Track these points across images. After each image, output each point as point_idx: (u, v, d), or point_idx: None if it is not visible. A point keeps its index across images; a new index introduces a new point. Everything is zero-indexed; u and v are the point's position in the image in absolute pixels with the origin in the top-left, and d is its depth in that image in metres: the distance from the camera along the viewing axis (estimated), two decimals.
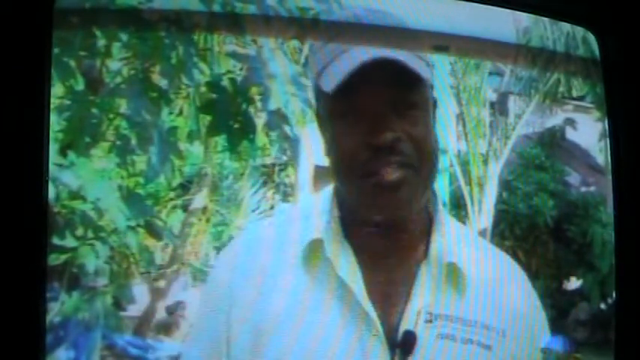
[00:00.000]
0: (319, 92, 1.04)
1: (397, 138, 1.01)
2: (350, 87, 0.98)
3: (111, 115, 1.84)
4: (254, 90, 1.85)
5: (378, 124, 1.01)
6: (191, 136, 1.93)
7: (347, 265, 1.02)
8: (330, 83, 1.00)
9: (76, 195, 1.86)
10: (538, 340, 1.10)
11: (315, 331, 1.00)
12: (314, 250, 1.04)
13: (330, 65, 1.02)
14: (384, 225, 1.04)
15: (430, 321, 1.04)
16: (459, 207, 2.20)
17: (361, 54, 1.00)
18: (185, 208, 2.03)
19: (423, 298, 1.04)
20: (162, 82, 1.85)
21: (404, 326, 1.03)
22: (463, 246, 1.09)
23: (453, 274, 1.06)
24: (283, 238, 1.07)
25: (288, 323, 1.02)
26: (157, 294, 1.88)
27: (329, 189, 1.09)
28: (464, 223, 2.20)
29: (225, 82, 1.88)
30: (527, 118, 2.38)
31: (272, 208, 1.86)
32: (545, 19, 1.74)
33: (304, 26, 1.53)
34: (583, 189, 2.51)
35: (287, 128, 1.80)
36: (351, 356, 1.01)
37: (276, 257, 1.05)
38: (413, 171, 1.02)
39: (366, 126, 1.01)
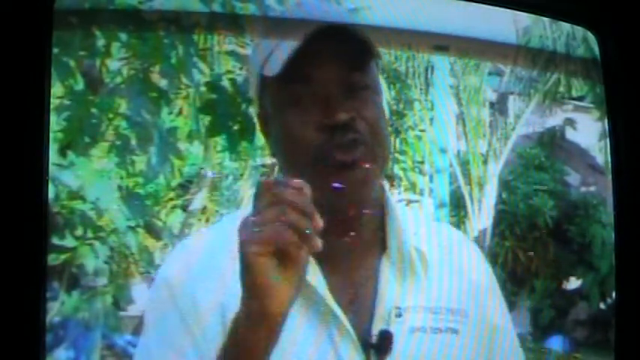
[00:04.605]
0: (264, 83, 1.02)
1: (352, 117, 1.01)
2: (298, 67, 0.97)
3: (110, 115, 1.84)
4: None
5: (331, 105, 1.00)
6: (191, 137, 1.93)
7: (309, 271, 1.01)
8: (276, 66, 0.99)
9: (75, 195, 1.86)
10: (494, 308, 1.09)
11: (284, 337, 0.99)
12: None
13: (277, 49, 1.01)
14: (339, 210, 1.03)
15: (400, 315, 1.03)
16: (459, 207, 2.20)
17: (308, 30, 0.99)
18: (185, 208, 2.03)
19: (390, 292, 1.03)
20: (162, 82, 1.85)
21: (377, 325, 1.02)
22: (418, 231, 1.09)
23: (413, 263, 1.06)
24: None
25: None
26: None
27: None
28: (464, 223, 2.20)
29: (225, 83, 1.88)
30: (527, 118, 2.38)
31: None
32: (545, 19, 1.74)
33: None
34: (583, 189, 2.51)
35: None
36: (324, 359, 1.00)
37: (233, 264, 1.03)
38: (367, 149, 1.02)
39: (319, 108, 1.00)
